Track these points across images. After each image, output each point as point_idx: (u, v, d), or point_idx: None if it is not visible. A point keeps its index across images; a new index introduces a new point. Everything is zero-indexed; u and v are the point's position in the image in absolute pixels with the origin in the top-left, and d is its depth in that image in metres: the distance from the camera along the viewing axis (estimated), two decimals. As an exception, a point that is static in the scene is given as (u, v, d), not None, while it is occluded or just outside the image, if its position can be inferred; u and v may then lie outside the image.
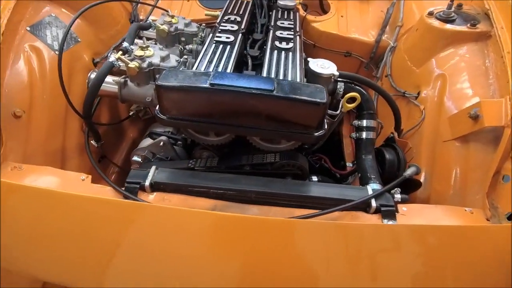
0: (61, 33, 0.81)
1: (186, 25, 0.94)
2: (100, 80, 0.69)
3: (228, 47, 0.75)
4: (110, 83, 0.79)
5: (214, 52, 0.73)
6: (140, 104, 0.83)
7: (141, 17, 1.08)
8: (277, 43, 0.78)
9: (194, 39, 0.93)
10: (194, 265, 0.55)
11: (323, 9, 1.27)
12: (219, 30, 0.81)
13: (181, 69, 0.78)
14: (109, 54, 0.87)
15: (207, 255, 0.55)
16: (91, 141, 0.83)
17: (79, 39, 0.85)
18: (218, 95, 0.58)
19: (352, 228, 0.55)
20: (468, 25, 0.83)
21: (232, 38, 0.78)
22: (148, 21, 0.92)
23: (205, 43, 0.78)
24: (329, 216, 0.58)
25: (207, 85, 0.58)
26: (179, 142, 0.76)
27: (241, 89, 0.57)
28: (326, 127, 0.63)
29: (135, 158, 0.78)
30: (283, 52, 0.75)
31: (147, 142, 0.78)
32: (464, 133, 0.70)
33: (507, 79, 0.68)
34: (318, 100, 0.58)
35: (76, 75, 0.83)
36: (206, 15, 1.04)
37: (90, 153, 0.74)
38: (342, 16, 1.14)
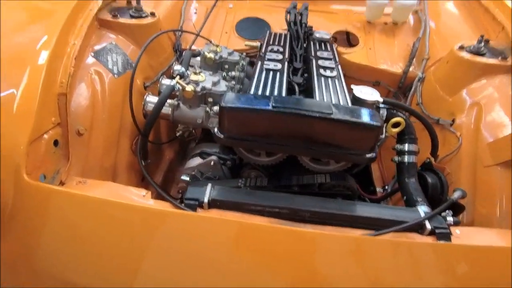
0: (120, 59, 0.87)
1: (229, 54, 1.00)
2: (163, 102, 0.74)
3: (278, 74, 0.80)
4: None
5: (266, 79, 0.78)
6: (191, 125, 0.87)
7: (182, 47, 1.16)
8: (322, 71, 0.83)
9: (236, 67, 0.99)
10: (258, 274, 0.56)
11: (350, 42, 1.35)
12: (267, 59, 0.87)
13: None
14: (160, 79, 0.93)
15: (270, 265, 0.57)
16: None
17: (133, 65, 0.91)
18: (280, 117, 0.62)
19: (415, 247, 0.56)
20: (499, 58, 0.89)
21: (279, 66, 0.84)
22: (197, 50, 0.99)
23: (255, 70, 0.83)
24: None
25: (269, 107, 0.62)
26: (228, 162, 0.79)
27: (302, 111, 0.61)
28: (377, 149, 0.67)
29: (184, 177, 0.80)
30: (329, 79, 0.80)
31: (196, 161, 0.81)
32: (507, 158, 0.73)
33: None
34: (374, 123, 0.61)
35: (129, 97, 0.88)
36: (246, 45, 1.11)
37: (146, 172, 0.77)
38: (370, 49, 1.21)
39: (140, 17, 0.94)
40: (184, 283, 0.56)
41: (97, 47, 0.84)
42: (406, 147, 0.81)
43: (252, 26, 1.22)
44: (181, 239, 0.57)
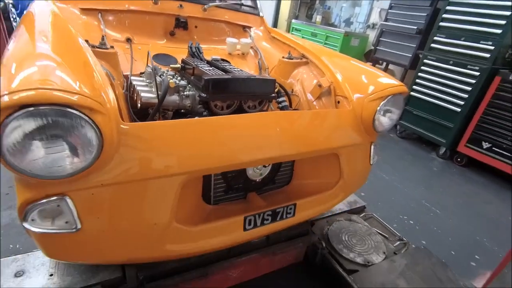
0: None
1: (166, 70, 1.55)
2: (166, 90, 1.22)
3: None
4: (152, 96, 1.29)
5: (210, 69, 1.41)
6: (171, 107, 1.35)
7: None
8: (232, 67, 1.55)
9: (175, 76, 1.55)
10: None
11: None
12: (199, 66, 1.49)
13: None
14: (135, 86, 1.36)
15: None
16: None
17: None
18: (236, 80, 1.28)
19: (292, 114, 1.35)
20: (300, 59, 1.91)
21: (210, 68, 1.48)
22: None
23: (200, 71, 1.43)
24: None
25: (230, 76, 1.27)
26: (205, 113, 1.34)
27: (246, 76, 1.30)
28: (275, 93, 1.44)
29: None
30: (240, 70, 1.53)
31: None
32: (318, 94, 1.68)
33: (321, 73, 1.73)
34: (273, 78, 1.38)
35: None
36: (171, 67, 1.66)
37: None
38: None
39: (107, 48, 1.36)
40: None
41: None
42: (281, 99, 1.63)
43: (164, 58, 1.79)
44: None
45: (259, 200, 1.39)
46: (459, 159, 3.99)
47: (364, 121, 1.49)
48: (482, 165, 3.77)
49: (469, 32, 3.66)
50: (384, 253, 1.85)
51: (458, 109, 3.81)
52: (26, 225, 0.90)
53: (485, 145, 3.67)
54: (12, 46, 1.03)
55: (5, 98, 0.72)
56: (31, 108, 0.74)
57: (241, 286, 1.70)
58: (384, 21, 4.86)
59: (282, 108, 1.63)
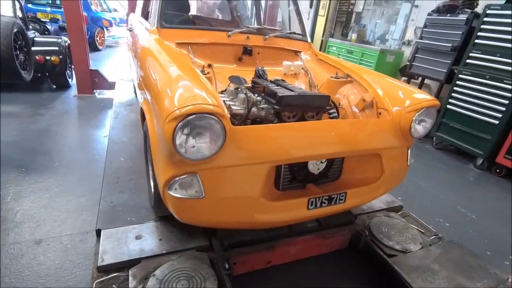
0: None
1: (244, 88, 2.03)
2: (252, 105, 1.68)
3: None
4: (239, 109, 1.76)
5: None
6: (251, 116, 1.80)
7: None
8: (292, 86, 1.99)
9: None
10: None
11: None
12: (268, 84, 1.94)
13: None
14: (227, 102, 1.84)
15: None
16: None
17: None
18: (300, 96, 1.71)
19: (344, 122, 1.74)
20: (346, 78, 2.31)
21: (276, 86, 1.93)
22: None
23: (270, 88, 1.89)
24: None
25: (295, 93, 1.70)
26: (275, 121, 1.77)
27: (307, 93, 1.73)
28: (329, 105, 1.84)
29: (258, 137, 1.73)
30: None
31: (262, 129, 1.75)
32: (362, 107, 2.06)
33: (363, 89, 2.11)
34: (327, 94, 1.79)
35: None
36: (244, 87, 2.14)
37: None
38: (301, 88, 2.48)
39: (206, 74, 1.86)
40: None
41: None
42: (331, 110, 2.03)
43: (236, 79, 2.28)
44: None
45: (316, 189, 1.78)
46: (498, 170, 4.08)
47: (402, 129, 1.84)
48: (522, 176, 3.84)
49: (504, 49, 3.84)
50: (421, 243, 2.14)
51: (496, 121, 3.95)
52: (171, 192, 1.37)
53: (525, 156, 3.77)
54: (156, 76, 1.54)
55: (177, 112, 1.20)
56: (191, 117, 1.21)
57: (296, 263, 2.07)
58: (419, 38, 5.11)
59: (332, 118, 2.03)
